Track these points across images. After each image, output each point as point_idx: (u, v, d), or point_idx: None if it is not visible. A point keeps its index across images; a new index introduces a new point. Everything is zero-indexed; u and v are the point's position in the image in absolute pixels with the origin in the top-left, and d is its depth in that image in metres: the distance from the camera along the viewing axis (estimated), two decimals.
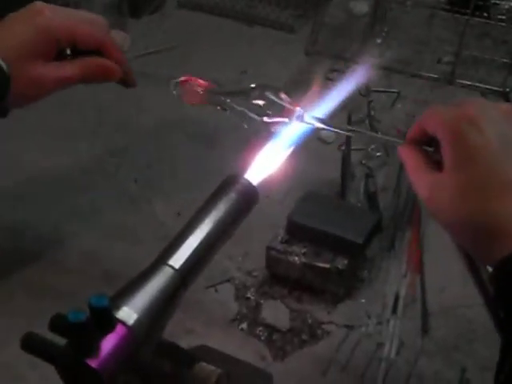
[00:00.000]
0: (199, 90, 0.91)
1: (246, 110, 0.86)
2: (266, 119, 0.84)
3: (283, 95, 0.85)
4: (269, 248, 0.98)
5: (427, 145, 0.70)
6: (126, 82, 0.96)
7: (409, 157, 0.71)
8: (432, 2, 1.56)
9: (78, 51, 0.91)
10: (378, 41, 1.47)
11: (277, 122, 0.83)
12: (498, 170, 0.63)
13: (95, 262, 1.03)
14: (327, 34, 1.49)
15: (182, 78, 0.92)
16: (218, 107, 0.89)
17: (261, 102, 0.85)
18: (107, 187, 1.16)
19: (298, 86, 1.31)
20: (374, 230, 0.99)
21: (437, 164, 0.67)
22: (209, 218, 0.71)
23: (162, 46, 1.49)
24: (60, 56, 0.90)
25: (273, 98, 0.85)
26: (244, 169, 0.77)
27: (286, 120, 0.83)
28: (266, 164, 0.79)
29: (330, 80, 1.36)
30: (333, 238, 0.96)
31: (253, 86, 0.86)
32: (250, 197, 0.74)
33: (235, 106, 0.87)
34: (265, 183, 0.78)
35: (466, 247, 0.67)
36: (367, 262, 1.01)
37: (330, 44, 1.46)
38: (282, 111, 0.84)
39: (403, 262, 1.02)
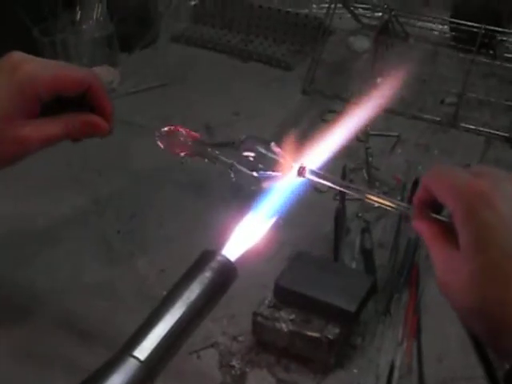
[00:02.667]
0: (186, 140, 0.85)
1: (236, 163, 0.80)
2: (255, 174, 0.78)
3: (275, 148, 0.79)
4: (255, 314, 0.91)
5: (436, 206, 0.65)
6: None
7: (424, 230, 0.66)
8: (436, 38, 1.50)
9: (65, 101, 0.86)
10: (379, 80, 1.41)
11: (269, 178, 0.78)
12: None
13: (72, 323, 0.97)
14: (325, 71, 1.43)
15: (168, 129, 0.87)
16: (206, 159, 0.84)
17: (251, 155, 0.79)
18: (88, 239, 1.09)
19: (294, 129, 1.26)
20: (369, 294, 0.93)
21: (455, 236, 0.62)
22: (180, 301, 0.65)
23: (153, 82, 1.43)
24: (45, 109, 0.84)
25: (263, 151, 0.79)
26: (222, 241, 0.71)
27: (279, 175, 0.77)
28: (247, 235, 0.72)
29: (325, 121, 1.30)
30: (323, 304, 0.89)
31: (242, 137, 0.81)
32: (227, 275, 0.68)
33: (224, 159, 0.82)
34: (247, 256, 0.72)
35: (476, 333, 0.62)
36: (361, 326, 0.95)
37: (327, 82, 1.40)
38: (274, 165, 0.78)
39: (399, 327, 0.95)
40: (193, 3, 1.62)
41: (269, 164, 0.78)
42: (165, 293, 0.66)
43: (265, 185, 0.77)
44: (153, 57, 1.52)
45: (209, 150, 0.84)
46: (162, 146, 0.87)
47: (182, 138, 0.86)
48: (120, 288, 1.02)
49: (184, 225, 1.10)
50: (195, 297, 0.65)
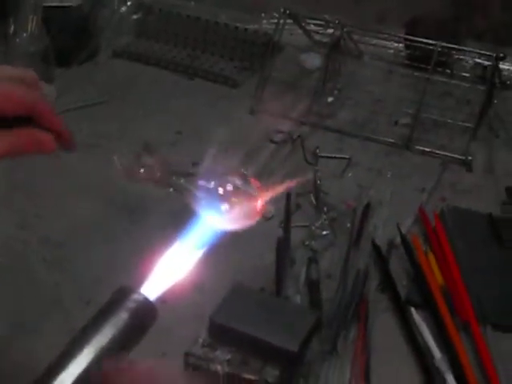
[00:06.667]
0: (153, 167, 0.77)
1: (201, 194, 0.72)
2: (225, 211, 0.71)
3: (254, 182, 0.72)
4: (187, 354, 0.83)
5: None
6: (63, 145, 0.80)
7: None
8: (391, 56, 1.44)
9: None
10: (330, 99, 1.34)
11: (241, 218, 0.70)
12: None
13: None
14: (274, 89, 1.35)
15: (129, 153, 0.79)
16: (171, 189, 0.76)
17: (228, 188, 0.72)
18: (10, 268, 1.00)
19: (240, 151, 1.18)
20: (313, 331, 0.85)
21: None
22: (89, 346, 0.56)
23: (92, 99, 1.35)
24: None
25: (240, 184, 0.71)
26: (142, 278, 0.62)
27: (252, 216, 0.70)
28: (171, 270, 0.64)
29: (274, 143, 1.22)
30: (263, 343, 0.81)
31: (218, 169, 0.74)
32: (144, 317, 0.59)
33: (194, 191, 0.74)
34: (179, 288, 0.64)
35: None
36: (304, 367, 0.87)
37: (276, 102, 1.32)
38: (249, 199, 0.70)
39: (347, 367, 0.87)
40: (135, 17, 1.53)
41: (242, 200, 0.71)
42: None
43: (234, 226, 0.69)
44: (92, 72, 1.44)
45: (173, 178, 0.76)
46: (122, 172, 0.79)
47: (147, 165, 0.78)
48: (42, 321, 0.93)
49: (114, 254, 1.02)
50: (106, 341, 0.57)
